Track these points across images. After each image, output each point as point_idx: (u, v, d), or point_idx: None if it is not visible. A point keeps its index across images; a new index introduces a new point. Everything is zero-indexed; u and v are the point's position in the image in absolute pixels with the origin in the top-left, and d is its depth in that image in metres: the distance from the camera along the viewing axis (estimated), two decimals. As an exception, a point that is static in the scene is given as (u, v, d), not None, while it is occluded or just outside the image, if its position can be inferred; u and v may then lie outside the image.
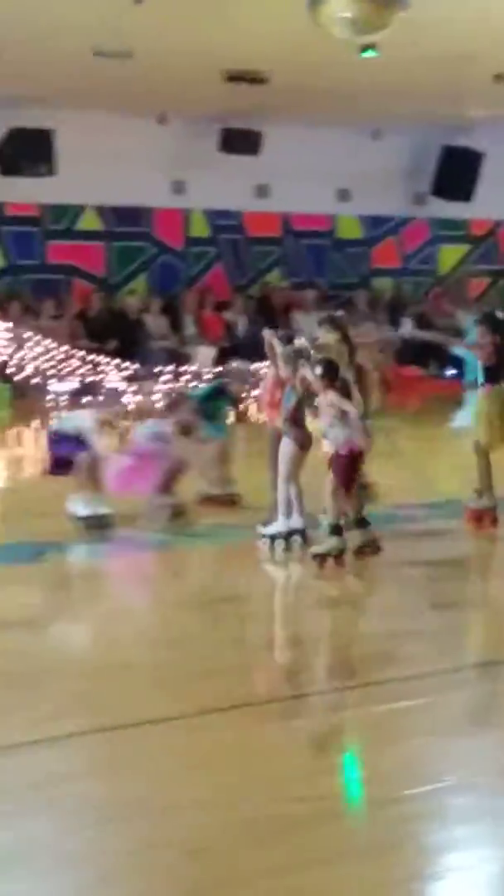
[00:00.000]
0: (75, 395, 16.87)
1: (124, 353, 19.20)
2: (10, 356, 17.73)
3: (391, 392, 13.29)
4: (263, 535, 9.67)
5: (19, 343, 18.04)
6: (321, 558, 9.27)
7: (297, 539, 9.43)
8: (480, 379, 10.82)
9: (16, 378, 17.78)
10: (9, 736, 6.59)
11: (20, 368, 17.94)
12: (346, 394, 9.41)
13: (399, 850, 4.58)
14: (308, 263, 23.78)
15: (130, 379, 18.07)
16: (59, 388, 18.01)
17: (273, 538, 9.58)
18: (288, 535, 9.65)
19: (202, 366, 19.05)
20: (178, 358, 19.40)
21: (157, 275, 22.25)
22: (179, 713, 7.18)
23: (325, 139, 21.05)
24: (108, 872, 4.90)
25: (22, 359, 17.81)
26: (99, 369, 18.60)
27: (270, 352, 10.12)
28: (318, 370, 9.41)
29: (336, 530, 9.17)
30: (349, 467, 9.49)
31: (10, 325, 17.72)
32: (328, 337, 10.23)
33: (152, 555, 11.78)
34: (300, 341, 10.34)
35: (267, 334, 10.36)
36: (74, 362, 18.22)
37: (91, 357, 18.04)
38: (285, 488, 9.78)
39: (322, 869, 4.69)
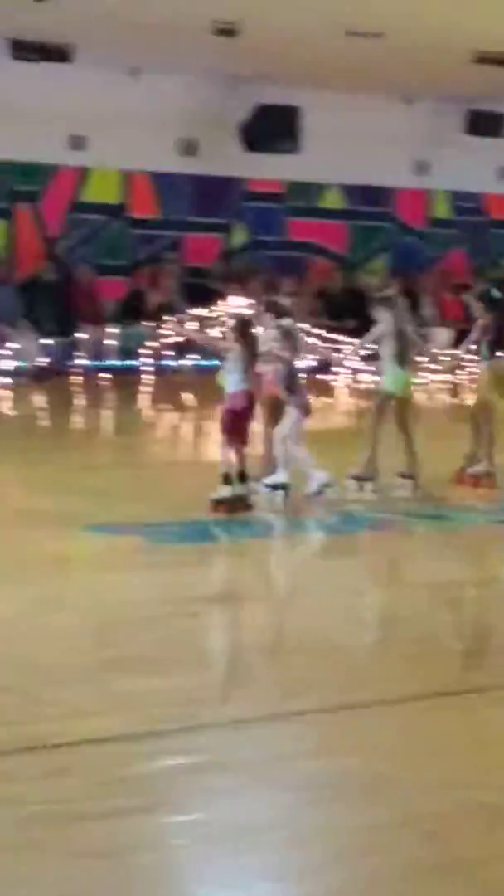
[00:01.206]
0: (314, 373, 16.87)
1: (363, 332, 19.78)
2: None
3: None
4: (266, 486, 10.19)
5: (258, 318, 18.35)
6: (214, 504, 9.89)
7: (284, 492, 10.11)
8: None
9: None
10: (241, 711, 6.70)
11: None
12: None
13: None
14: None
15: (368, 359, 17.71)
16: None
17: (275, 487, 10.13)
18: (283, 487, 10.21)
19: (439, 348, 19.17)
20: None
21: (397, 255, 22.34)
22: (413, 694, 7.23)
23: None
24: (340, 851, 4.86)
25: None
26: (337, 348, 19.69)
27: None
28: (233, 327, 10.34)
29: (225, 479, 9.81)
30: (232, 421, 10.13)
31: (251, 300, 17.70)
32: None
33: (384, 533, 11.26)
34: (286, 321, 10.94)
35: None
36: (312, 340, 18.79)
37: (329, 335, 18.10)
38: (285, 447, 10.36)
39: None
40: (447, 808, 5.27)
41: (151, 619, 9.19)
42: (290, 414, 10.89)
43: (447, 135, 22.00)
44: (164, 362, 18.53)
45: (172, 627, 8.82)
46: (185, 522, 11.07)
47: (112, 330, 18.91)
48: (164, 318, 17.24)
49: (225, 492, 10.39)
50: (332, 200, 22.67)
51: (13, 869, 4.61)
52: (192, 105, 21.06)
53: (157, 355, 18.66)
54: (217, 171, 21.51)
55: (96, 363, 18.54)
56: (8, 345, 17.25)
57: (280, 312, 11.22)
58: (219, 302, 17.61)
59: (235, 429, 10.87)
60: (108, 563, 10.45)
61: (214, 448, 13.43)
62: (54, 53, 18.50)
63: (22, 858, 5.05)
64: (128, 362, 18.67)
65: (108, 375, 18.40)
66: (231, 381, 10.46)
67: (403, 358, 11.65)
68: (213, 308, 17.38)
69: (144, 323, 18.69)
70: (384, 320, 12.07)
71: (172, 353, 18.48)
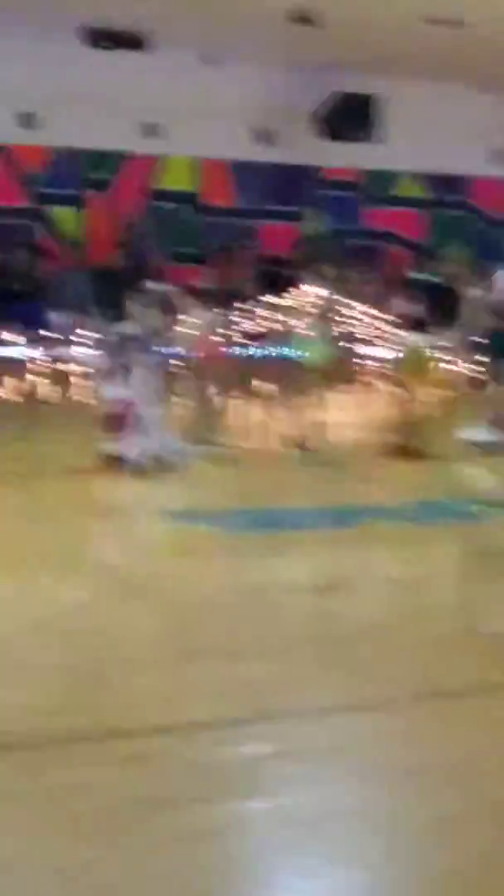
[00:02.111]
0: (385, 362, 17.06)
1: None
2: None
3: None
4: None
5: (334, 307, 18.74)
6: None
7: None
8: None
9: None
10: (319, 700, 6.79)
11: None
12: None
13: None
14: None
15: (444, 349, 18.01)
16: (374, 353, 18.38)
17: None
18: None
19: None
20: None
21: (476, 244, 21.95)
22: (492, 685, 7.28)
23: None
24: (417, 839, 4.85)
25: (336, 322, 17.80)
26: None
27: None
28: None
29: None
30: None
31: (326, 289, 17.94)
32: None
33: (466, 525, 11.31)
34: None
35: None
36: (387, 328, 18.37)
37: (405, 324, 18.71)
38: None
39: None
40: None
41: (228, 606, 9.22)
42: None
43: None
44: (238, 349, 18.39)
45: (249, 615, 8.97)
46: (258, 510, 11.24)
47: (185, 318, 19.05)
48: (238, 305, 17.11)
49: None
50: (409, 189, 22.77)
51: (96, 854, 4.67)
52: (269, 93, 21.30)
53: (230, 342, 18.63)
54: (293, 159, 21.46)
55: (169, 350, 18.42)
56: (80, 332, 16.88)
57: None
58: (293, 289, 17.11)
59: None
60: (185, 550, 10.49)
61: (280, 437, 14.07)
62: (130, 42, 18.77)
63: (104, 843, 5.19)
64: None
65: (180, 363, 18.45)
66: None
67: None
68: (287, 295, 17.31)
69: (216, 310, 18.58)
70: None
71: (246, 341, 18.33)
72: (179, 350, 14.04)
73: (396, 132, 20.41)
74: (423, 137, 21.16)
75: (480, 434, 13.65)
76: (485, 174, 23.06)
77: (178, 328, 13.67)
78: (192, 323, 13.69)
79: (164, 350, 12.55)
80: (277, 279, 18.90)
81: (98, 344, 13.32)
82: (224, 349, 14.13)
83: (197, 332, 14.23)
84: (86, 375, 15.65)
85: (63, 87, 19.30)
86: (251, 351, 17.72)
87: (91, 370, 13.76)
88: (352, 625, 8.76)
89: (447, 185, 22.58)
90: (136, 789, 5.26)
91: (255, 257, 20.88)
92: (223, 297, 17.36)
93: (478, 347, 16.10)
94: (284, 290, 16.67)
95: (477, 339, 16.12)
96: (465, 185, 23.08)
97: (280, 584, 9.82)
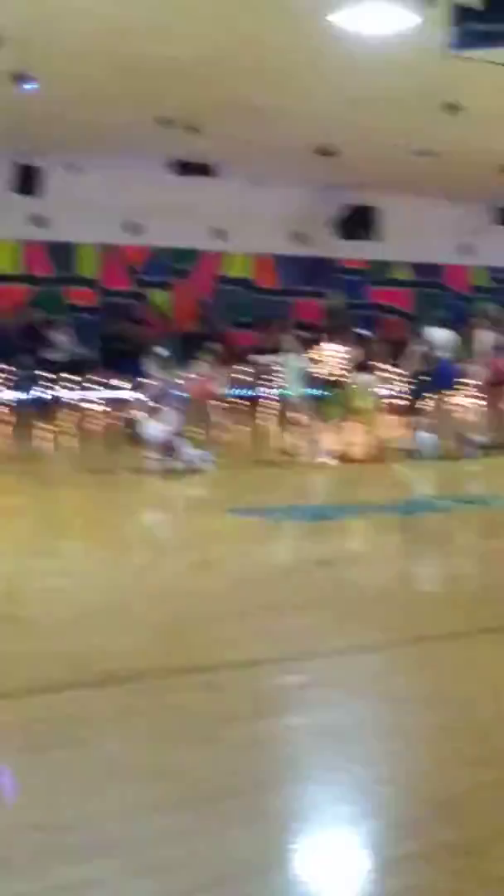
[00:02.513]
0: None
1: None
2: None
3: None
4: None
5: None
6: None
7: None
8: None
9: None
10: (340, 643, 6.62)
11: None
12: None
13: None
14: None
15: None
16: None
17: None
18: None
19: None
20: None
21: (449, 313, 22.77)
22: (465, 631, 7.10)
23: None
24: (414, 743, 4.82)
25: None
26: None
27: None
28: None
29: None
30: None
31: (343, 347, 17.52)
32: None
33: (440, 516, 11.75)
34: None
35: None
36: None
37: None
38: None
39: None
40: (494, 716, 5.11)
41: (272, 576, 9.09)
42: None
43: (484, 226, 22.35)
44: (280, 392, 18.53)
45: (288, 582, 8.76)
46: (297, 507, 11.49)
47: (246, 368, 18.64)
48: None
49: None
50: (402, 274, 22.97)
51: (185, 757, 4.78)
52: (300, 206, 21.43)
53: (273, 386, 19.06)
54: (319, 253, 21.89)
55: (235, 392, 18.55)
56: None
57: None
58: (318, 347, 17.68)
59: None
60: (244, 536, 10.33)
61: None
62: (202, 170, 18.88)
63: (192, 748, 5.17)
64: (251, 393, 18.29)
65: (244, 402, 18.16)
66: None
67: None
68: (315, 351, 17.19)
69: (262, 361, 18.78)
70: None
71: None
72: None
73: (391, 233, 20.77)
74: (410, 237, 21.49)
75: (420, 441, 13.76)
76: (454, 263, 23.43)
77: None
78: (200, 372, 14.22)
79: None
80: (309, 340, 19.01)
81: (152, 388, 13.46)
82: (214, 390, 14.14)
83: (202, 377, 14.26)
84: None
85: (157, 202, 19.35)
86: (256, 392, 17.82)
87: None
88: (360, 588, 8.59)
89: (428, 271, 22.67)
90: (213, 709, 5.07)
91: (292, 324, 21.16)
92: (270, 352, 17.37)
93: (411, 384, 15.23)
94: (313, 348, 16.75)
95: (410, 378, 15.30)
96: (440, 271, 23.15)
97: (308, 559, 9.68)
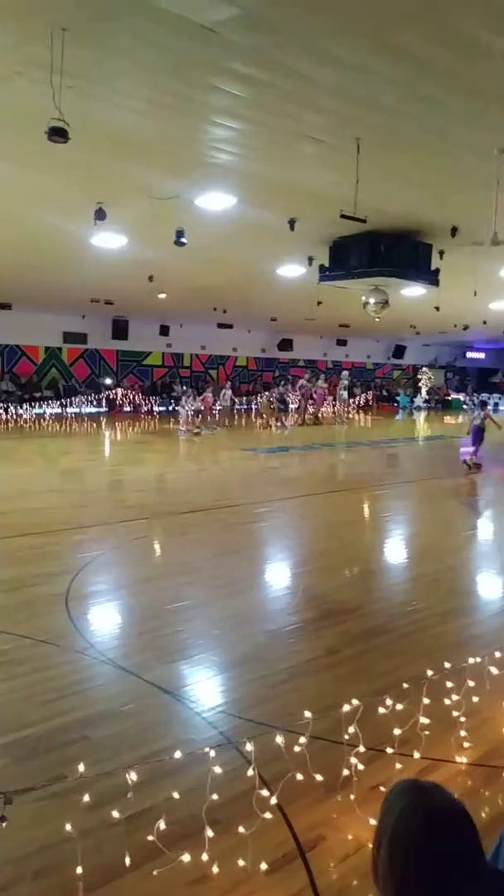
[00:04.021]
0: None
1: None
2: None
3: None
4: None
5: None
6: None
7: None
8: None
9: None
10: (282, 495, 9.37)
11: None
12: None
13: None
14: None
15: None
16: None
17: None
18: None
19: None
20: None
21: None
22: (338, 488, 10.00)
23: None
24: (311, 532, 7.19)
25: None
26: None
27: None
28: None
29: None
30: None
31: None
32: None
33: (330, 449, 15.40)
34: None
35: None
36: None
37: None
38: None
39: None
40: (341, 521, 7.90)
41: (255, 471, 12.54)
42: None
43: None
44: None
45: (260, 474, 12.51)
46: (268, 447, 15.53)
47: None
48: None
49: None
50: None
51: (221, 536, 7.24)
52: (262, 339, 28.10)
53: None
54: (272, 355, 28.52)
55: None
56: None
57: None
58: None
59: None
60: (240, 457, 14.15)
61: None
62: (228, 326, 25.54)
63: (224, 533, 8.58)
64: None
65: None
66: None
67: None
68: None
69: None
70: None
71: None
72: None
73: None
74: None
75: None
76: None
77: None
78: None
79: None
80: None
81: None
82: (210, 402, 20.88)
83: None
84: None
85: (206, 339, 26.56)
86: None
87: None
88: (287, 477, 11.59)
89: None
90: (233, 518, 7.86)
91: (261, 382, 27.65)
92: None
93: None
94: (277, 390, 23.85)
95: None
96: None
97: (267, 466, 12.93)
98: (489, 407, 13.15)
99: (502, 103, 5.18)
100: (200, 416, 18.26)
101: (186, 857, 2.38)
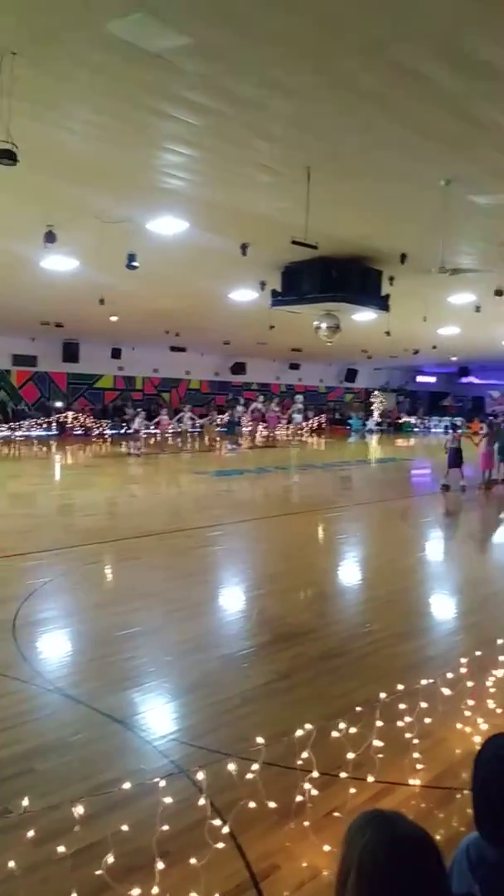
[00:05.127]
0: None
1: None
2: None
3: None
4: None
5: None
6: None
7: None
8: None
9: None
10: (238, 517, 9.39)
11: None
12: None
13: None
14: None
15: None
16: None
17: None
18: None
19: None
20: None
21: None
22: (294, 511, 10.15)
23: None
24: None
25: None
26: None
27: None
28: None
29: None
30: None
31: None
32: None
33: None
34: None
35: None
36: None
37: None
38: None
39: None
40: (294, 544, 8.00)
41: (210, 494, 12.45)
42: None
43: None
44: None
45: (215, 497, 12.44)
46: (219, 470, 15.36)
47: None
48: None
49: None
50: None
51: (177, 545, 7.58)
52: (215, 362, 28.06)
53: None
54: (225, 379, 28.42)
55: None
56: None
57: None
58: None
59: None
60: (194, 480, 14.20)
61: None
62: (182, 350, 25.72)
63: (177, 558, 8.19)
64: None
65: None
66: None
67: None
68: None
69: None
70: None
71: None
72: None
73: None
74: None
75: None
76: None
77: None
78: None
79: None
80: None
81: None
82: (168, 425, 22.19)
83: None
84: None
85: (158, 362, 26.72)
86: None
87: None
88: (241, 497, 12.01)
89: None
90: (186, 543, 7.73)
91: (215, 405, 27.25)
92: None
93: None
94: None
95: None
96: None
97: (221, 489, 13.15)
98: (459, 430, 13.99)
99: (446, 136, 5.34)
100: (145, 438, 18.47)
101: (136, 892, 2.32)
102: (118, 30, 3.92)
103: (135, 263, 8.84)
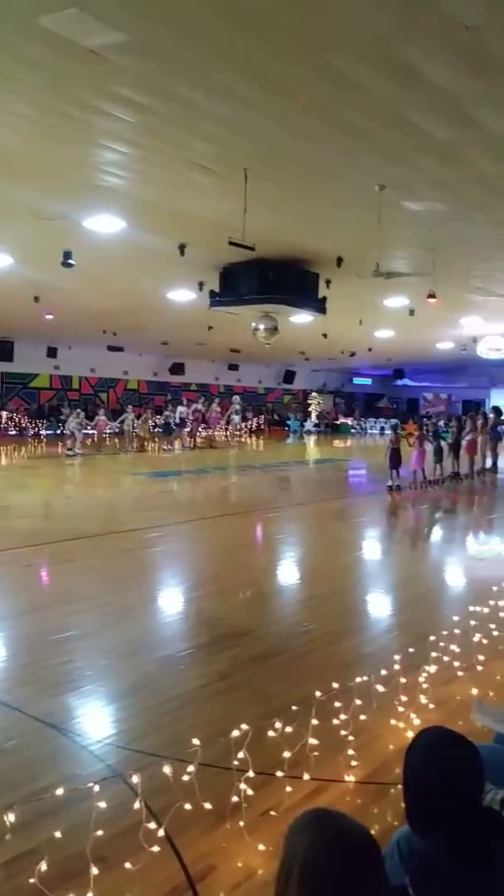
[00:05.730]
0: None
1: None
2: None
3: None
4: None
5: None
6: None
7: None
8: None
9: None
10: (199, 514, 9.61)
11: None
12: None
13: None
14: None
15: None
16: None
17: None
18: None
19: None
20: None
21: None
22: (246, 510, 10.31)
23: None
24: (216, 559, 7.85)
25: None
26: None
27: None
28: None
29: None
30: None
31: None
32: None
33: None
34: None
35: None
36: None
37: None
38: None
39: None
40: (228, 541, 8.34)
41: (149, 496, 12.59)
42: None
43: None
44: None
45: (155, 498, 12.21)
46: (165, 470, 15.35)
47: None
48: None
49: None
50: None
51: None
52: (154, 362, 27.88)
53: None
54: (164, 379, 28.63)
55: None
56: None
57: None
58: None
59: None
60: (136, 482, 14.28)
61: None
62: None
63: (113, 540, 8.10)
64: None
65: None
66: None
67: None
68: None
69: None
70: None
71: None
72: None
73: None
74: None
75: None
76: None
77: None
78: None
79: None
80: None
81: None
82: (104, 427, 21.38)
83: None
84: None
85: (96, 362, 26.08)
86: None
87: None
88: (179, 498, 12.14)
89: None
90: (123, 545, 7.69)
91: (153, 405, 26.92)
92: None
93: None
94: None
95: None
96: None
97: (161, 490, 13.13)
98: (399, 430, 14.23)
99: (380, 142, 5.44)
100: (82, 438, 18.23)
101: (71, 899, 2.17)
102: (52, 24, 3.85)
103: (71, 261, 8.72)
